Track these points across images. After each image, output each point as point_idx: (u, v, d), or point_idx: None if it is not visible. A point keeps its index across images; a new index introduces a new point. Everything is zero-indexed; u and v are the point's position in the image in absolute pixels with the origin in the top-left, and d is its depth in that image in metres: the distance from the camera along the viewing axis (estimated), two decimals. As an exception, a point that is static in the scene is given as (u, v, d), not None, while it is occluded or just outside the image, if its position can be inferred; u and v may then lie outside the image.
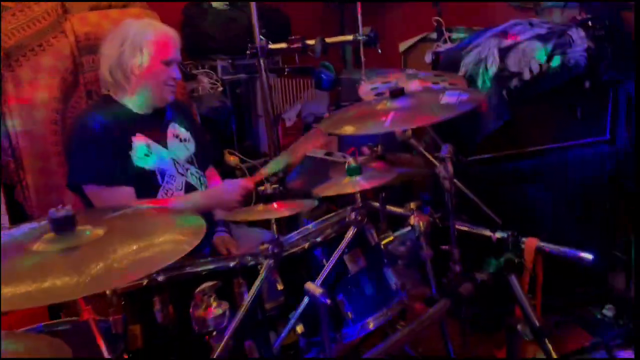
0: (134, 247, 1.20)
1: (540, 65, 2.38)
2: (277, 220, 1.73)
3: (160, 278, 1.46)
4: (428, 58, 2.97)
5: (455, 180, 1.73)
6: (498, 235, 1.83)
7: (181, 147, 2.21)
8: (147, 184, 2.06)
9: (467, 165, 2.42)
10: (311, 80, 3.44)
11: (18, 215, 2.41)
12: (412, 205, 1.83)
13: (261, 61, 2.62)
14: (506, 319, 1.71)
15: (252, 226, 2.34)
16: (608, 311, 2.51)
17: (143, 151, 2.07)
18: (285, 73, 3.45)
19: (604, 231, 2.59)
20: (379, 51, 2.64)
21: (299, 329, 1.55)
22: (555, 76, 2.40)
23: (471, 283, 1.66)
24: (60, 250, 1.17)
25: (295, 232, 1.75)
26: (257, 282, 1.44)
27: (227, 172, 3.03)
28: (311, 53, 2.63)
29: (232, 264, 1.55)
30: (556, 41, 2.41)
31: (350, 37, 2.68)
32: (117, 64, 2.07)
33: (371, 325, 1.63)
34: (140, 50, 2.05)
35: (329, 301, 1.42)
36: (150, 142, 2.10)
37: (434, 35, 3.19)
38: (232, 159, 3.15)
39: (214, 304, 1.40)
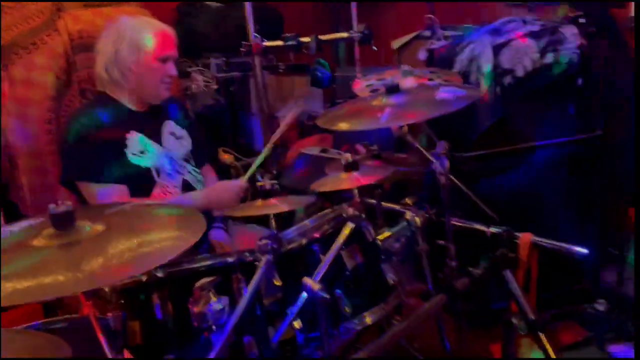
0: (134, 243, 1.20)
1: (534, 62, 2.40)
2: (276, 216, 1.73)
3: (160, 274, 1.46)
4: (422, 55, 2.97)
5: (450, 177, 1.74)
6: (492, 230, 1.84)
7: (177, 145, 2.20)
8: (142, 181, 2.06)
9: (462, 161, 2.44)
10: (307, 78, 3.44)
11: (12, 215, 2.41)
12: (408, 200, 1.84)
13: (255, 59, 2.63)
14: (503, 314, 1.72)
15: (250, 223, 2.34)
16: (600, 306, 2.53)
17: (138, 149, 2.07)
18: (280, 71, 3.45)
19: (596, 227, 2.61)
20: (374, 48, 2.65)
21: (297, 324, 1.55)
22: (548, 73, 2.42)
23: (467, 278, 1.67)
24: (61, 246, 1.17)
25: (293, 228, 1.75)
26: (255, 278, 1.45)
27: (222, 170, 3.03)
28: (305, 50, 2.64)
29: (230, 260, 1.55)
30: (549, 38, 2.42)
31: (345, 34, 2.70)
32: (114, 61, 2.06)
33: (368, 320, 1.64)
34: (136, 47, 2.05)
35: (327, 296, 1.43)
36: (145, 139, 2.10)
37: (427, 33, 3.20)
38: (226, 157, 3.13)
39: (213, 300, 1.40)
